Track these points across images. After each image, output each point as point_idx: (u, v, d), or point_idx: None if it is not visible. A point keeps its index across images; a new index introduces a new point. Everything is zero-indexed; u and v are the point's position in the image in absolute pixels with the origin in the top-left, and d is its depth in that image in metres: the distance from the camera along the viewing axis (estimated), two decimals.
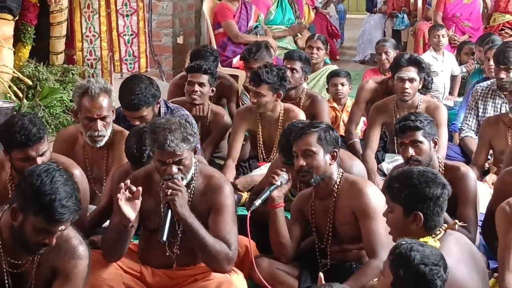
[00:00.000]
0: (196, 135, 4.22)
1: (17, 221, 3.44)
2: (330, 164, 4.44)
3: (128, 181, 4.06)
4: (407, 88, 6.20)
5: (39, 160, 4.28)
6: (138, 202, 4.03)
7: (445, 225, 3.72)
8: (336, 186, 4.46)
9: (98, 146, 5.07)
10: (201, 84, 6.30)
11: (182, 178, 4.14)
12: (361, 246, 4.42)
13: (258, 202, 4.33)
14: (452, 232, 3.72)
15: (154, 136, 4.10)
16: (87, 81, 5.18)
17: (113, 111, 5.14)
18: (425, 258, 3.19)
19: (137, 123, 5.32)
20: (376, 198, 4.30)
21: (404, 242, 3.27)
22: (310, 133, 4.41)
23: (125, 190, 4.00)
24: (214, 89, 6.42)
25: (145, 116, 5.38)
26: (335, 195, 4.46)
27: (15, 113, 5.39)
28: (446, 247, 3.46)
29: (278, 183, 4.42)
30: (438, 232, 3.66)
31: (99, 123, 5.00)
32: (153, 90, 5.41)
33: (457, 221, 3.80)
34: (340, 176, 4.49)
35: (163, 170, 4.14)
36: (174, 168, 4.11)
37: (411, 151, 4.81)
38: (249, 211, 4.36)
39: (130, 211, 4.02)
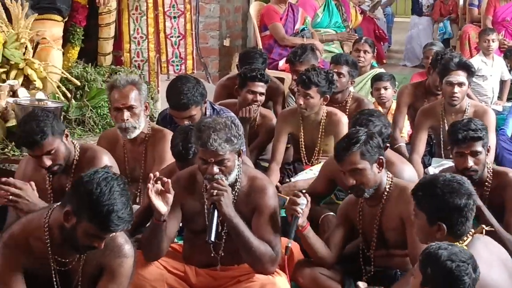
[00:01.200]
0: (241, 138, 4.22)
1: (69, 223, 3.47)
2: (378, 172, 4.40)
3: (157, 173, 4.08)
4: (456, 93, 6.13)
5: (45, 158, 4.45)
6: (170, 196, 4.04)
7: (472, 230, 3.68)
8: (386, 192, 4.43)
9: (130, 137, 5.12)
10: (261, 94, 6.32)
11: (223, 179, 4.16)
12: (407, 253, 4.39)
13: (290, 244, 4.27)
14: (480, 236, 3.67)
15: (199, 134, 4.12)
16: (118, 75, 5.30)
17: (146, 107, 5.20)
18: (453, 255, 3.16)
19: (186, 123, 5.34)
20: None
21: (433, 244, 3.25)
22: (352, 153, 4.34)
23: (155, 182, 4.01)
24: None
25: (193, 116, 5.39)
26: (384, 201, 4.42)
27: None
28: (474, 252, 3.40)
29: (300, 212, 4.31)
30: (465, 238, 3.63)
31: (126, 113, 5.06)
32: (201, 89, 5.43)
33: (484, 225, 3.74)
34: (390, 182, 4.45)
35: (204, 169, 4.15)
36: (215, 168, 4.12)
37: (470, 162, 4.73)
38: (285, 256, 4.30)
39: (162, 205, 4.04)
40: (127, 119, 5.06)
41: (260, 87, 6.32)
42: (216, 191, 4.08)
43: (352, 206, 4.58)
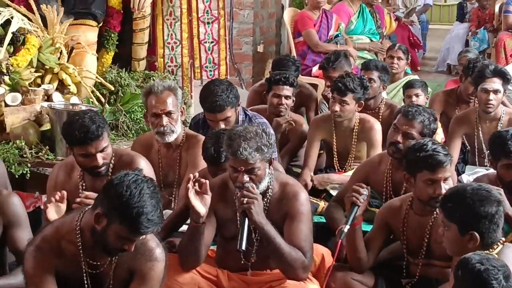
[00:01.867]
0: (272, 146, 4.21)
1: (100, 225, 3.48)
2: None
3: (197, 174, 4.09)
4: (491, 100, 6.08)
5: (99, 156, 4.42)
6: (208, 198, 4.06)
7: (503, 238, 3.65)
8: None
9: (168, 140, 5.12)
10: (287, 97, 6.32)
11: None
12: (449, 264, 4.32)
13: (346, 229, 4.22)
14: (510, 245, 3.66)
15: (229, 142, 4.12)
16: (155, 81, 5.31)
17: (182, 112, 5.22)
18: (484, 260, 3.15)
19: (222, 126, 5.33)
20: None
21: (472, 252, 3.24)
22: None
23: (194, 183, 4.02)
24: (294, 99, 6.44)
25: (229, 118, 5.40)
26: (436, 213, 4.29)
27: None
28: (504, 259, 3.37)
29: (361, 201, 4.30)
30: (495, 247, 3.60)
31: (164, 118, 5.07)
32: (234, 91, 5.45)
33: None
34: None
35: (235, 177, 4.16)
36: (246, 177, 4.12)
37: None
38: (339, 240, 4.25)
39: (200, 206, 4.06)
40: (166, 124, 5.08)
41: (285, 90, 6.32)
42: (246, 199, 4.08)
43: (394, 214, 4.49)
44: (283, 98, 6.30)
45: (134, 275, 3.66)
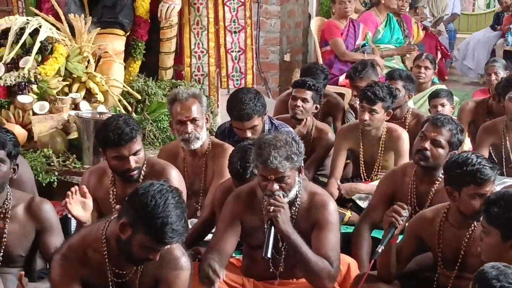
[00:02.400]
0: (302, 155, 4.19)
1: (125, 235, 3.48)
2: None
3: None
4: None
5: (132, 159, 4.45)
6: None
7: None
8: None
9: (193, 148, 5.13)
10: (304, 100, 6.30)
11: (284, 196, 4.13)
12: None
13: (380, 249, 4.15)
14: None
15: (259, 151, 4.11)
16: (179, 89, 5.33)
17: (207, 119, 5.22)
18: (501, 276, 3.08)
19: (249, 134, 5.35)
20: None
21: (490, 263, 3.18)
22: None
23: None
24: (318, 106, 6.42)
25: (256, 126, 5.41)
26: (474, 226, 4.22)
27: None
28: None
29: (400, 223, 4.17)
30: None
31: (190, 125, 5.07)
32: (262, 99, 5.46)
33: None
34: None
35: (264, 186, 4.14)
36: (275, 185, 4.10)
37: None
38: (372, 260, 4.22)
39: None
40: (191, 131, 5.09)
41: (303, 93, 6.31)
42: (272, 207, 4.08)
43: (427, 225, 4.39)
44: (299, 100, 6.29)
45: (159, 284, 3.66)
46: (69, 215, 4.35)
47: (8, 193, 4.26)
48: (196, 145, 5.13)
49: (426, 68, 8.13)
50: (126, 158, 4.45)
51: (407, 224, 4.52)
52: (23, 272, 3.96)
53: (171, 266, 3.64)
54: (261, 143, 4.13)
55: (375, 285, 4.37)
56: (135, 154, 4.47)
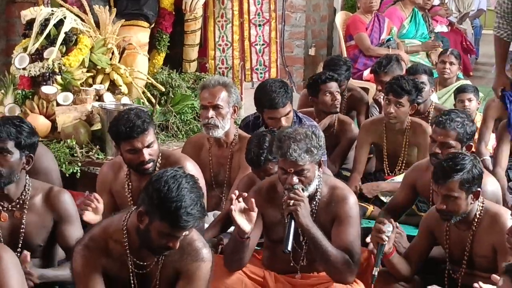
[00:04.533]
0: (322, 148, 4.20)
1: (143, 224, 3.49)
2: (471, 203, 4.23)
3: (237, 192, 4.06)
4: None
5: (145, 151, 4.45)
6: (253, 214, 4.04)
7: None
8: (476, 219, 4.27)
9: (213, 135, 5.15)
10: (338, 93, 6.35)
11: (303, 190, 4.13)
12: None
13: (376, 273, 4.16)
14: None
15: (279, 144, 4.12)
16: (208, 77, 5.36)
17: (234, 110, 5.22)
18: None
19: (284, 123, 5.34)
20: None
21: None
22: (453, 181, 4.16)
23: (237, 201, 4.01)
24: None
25: (290, 113, 5.41)
26: (474, 228, 4.27)
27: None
28: None
29: (386, 240, 4.21)
30: None
31: (211, 111, 5.10)
32: (289, 87, 5.49)
33: None
34: (481, 208, 4.28)
35: (284, 179, 4.15)
36: (295, 178, 4.11)
37: None
38: (372, 284, 4.21)
39: (246, 223, 4.04)
40: (211, 117, 5.10)
41: (335, 86, 6.35)
42: (293, 201, 4.07)
43: (437, 223, 4.43)
44: (335, 93, 6.31)
45: (180, 275, 3.65)
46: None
47: (26, 184, 4.26)
48: (216, 133, 5.14)
49: (451, 63, 8.09)
50: (140, 151, 4.45)
51: (422, 219, 4.54)
52: (28, 253, 3.97)
53: (192, 257, 3.64)
54: (281, 136, 4.14)
55: (393, 279, 4.38)
56: (148, 146, 4.47)
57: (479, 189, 4.24)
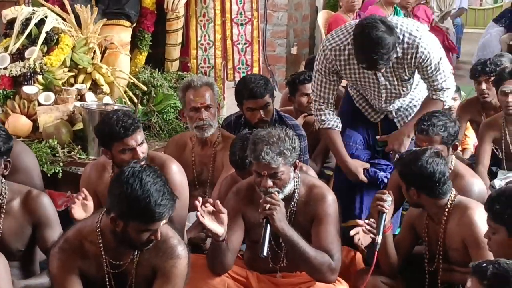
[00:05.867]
0: (296, 151, 4.17)
1: (119, 228, 3.50)
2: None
3: (201, 199, 4.04)
4: (510, 102, 6.05)
5: (139, 150, 4.40)
6: (223, 216, 4.01)
7: None
8: (446, 211, 4.32)
9: (206, 135, 5.16)
10: (309, 95, 6.32)
11: (278, 192, 4.13)
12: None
13: (379, 239, 4.21)
14: None
15: (252, 147, 4.12)
16: (190, 77, 5.34)
17: (218, 108, 5.27)
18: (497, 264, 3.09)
19: (262, 115, 5.38)
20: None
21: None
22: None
23: (202, 206, 3.98)
24: None
25: (269, 106, 5.43)
26: (444, 220, 4.32)
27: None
28: None
29: (387, 208, 4.28)
30: None
31: (204, 112, 5.11)
32: (269, 82, 5.53)
33: None
34: (452, 200, 4.33)
35: (258, 182, 4.15)
36: (269, 181, 4.11)
37: None
38: (376, 252, 4.22)
39: (217, 226, 4.01)
40: (206, 118, 5.10)
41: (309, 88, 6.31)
42: (268, 205, 4.07)
43: (418, 219, 4.49)
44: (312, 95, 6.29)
45: (157, 274, 3.66)
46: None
47: (3, 188, 4.22)
48: (210, 132, 5.16)
49: None
50: (134, 149, 4.41)
51: (405, 215, 4.57)
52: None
53: (168, 255, 3.64)
54: (255, 139, 4.14)
55: (378, 278, 4.39)
56: (141, 144, 4.45)
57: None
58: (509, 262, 3.09)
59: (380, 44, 4.76)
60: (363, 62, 4.95)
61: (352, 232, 4.34)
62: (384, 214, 4.26)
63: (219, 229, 4.02)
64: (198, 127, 5.14)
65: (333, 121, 5.38)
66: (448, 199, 4.33)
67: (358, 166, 5.36)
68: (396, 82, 5.26)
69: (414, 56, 5.03)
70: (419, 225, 4.49)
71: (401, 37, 4.96)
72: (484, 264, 3.09)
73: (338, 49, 5.16)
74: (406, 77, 5.22)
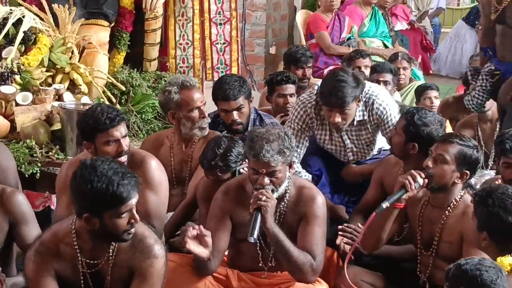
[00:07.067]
0: (293, 149, 4.21)
1: (96, 226, 3.51)
2: (455, 182, 4.21)
3: (189, 226, 4.04)
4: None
5: (123, 142, 4.40)
6: (207, 238, 4.01)
7: None
8: (453, 205, 4.26)
9: (205, 134, 5.16)
10: (292, 95, 6.33)
11: (273, 191, 4.13)
12: None
13: (385, 205, 4.13)
14: None
15: (251, 144, 4.11)
16: (175, 78, 5.34)
17: None
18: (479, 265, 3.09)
19: (236, 117, 5.39)
20: None
21: (466, 259, 3.17)
22: (454, 143, 4.20)
23: (188, 233, 3.98)
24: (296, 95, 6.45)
25: (243, 108, 5.43)
26: (448, 213, 4.26)
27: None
28: None
29: (414, 190, 4.16)
30: None
31: (205, 110, 5.14)
32: (246, 84, 5.52)
33: None
34: (461, 194, 4.26)
35: (254, 179, 4.15)
36: (266, 179, 4.11)
37: None
38: (375, 213, 4.16)
39: (202, 250, 4.02)
40: (207, 116, 5.17)
41: (289, 89, 6.34)
42: (264, 197, 4.06)
43: (413, 204, 4.38)
44: (288, 97, 6.30)
45: (134, 273, 3.66)
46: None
47: None
48: (207, 131, 5.18)
49: (404, 68, 7.93)
50: (118, 141, 4.39)
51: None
52: (3, 274, 3.94)
53: (144, 255, 3.64)
54: (253, 136, 4.13)
55: (358, 277, 4.40)
56: (124, 137, 4.43)
57: (467, 172, 4.22)
58: (483, 262, 3.11)
59: (345, 81, 4.98)
60: (327, 96, 5.06)
61: (337, 241, 4.43)
62: (405, 191, 4.15)
63: (205, 253, 4.03)
64: (200, 127, 5.15)
65: (304, 174, 5.33)
66: (458, 194, 4.28)
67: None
68: (361, 146, 5.43)
69: (371, 112, 5.21)
70: (413, 211, 4.41)
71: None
72: (455, 265, 3.12)
73: (308, 106, 5.35)
74: (370, 139, 5.42)
